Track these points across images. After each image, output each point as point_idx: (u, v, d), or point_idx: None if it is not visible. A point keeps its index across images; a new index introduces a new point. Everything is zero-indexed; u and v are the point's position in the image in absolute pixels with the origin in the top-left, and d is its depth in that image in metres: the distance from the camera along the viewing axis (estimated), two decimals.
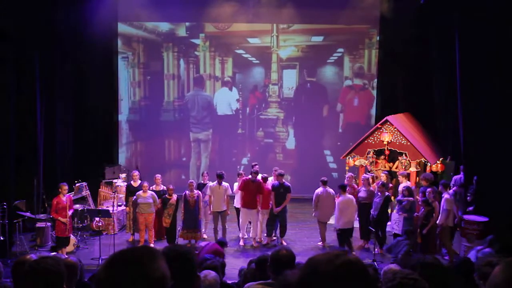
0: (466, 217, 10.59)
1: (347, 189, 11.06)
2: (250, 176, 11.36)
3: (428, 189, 10.71)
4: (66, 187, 10.52)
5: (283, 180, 11.45)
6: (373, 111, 15.87)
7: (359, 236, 11.52)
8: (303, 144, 16.20)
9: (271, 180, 11.77)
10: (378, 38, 15.59)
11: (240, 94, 16.24)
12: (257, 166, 11.98)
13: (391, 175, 12.59)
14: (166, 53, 16.12)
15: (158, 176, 12.00)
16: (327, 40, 16.00)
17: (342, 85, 16.06)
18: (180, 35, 16.09)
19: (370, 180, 11.70)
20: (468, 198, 11.04)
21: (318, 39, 16.04)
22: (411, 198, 10.43)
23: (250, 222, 11.57)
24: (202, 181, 12.04)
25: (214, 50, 16.12)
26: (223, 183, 11.47)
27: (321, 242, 11.49)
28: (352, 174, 11.85)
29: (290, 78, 16.20)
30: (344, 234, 10.80)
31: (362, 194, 11.24)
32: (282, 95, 16.20)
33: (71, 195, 11.10)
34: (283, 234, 11.58)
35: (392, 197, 11.52)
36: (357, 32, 15.85)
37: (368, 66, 15.91)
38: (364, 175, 11.69)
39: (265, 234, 11.63)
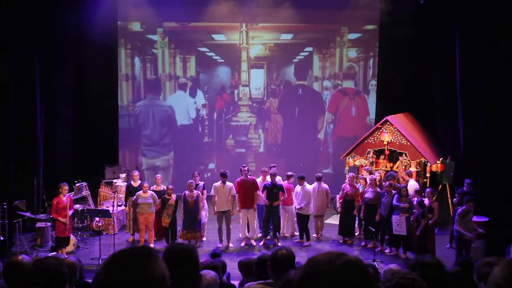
0: None
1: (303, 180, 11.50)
2: (242, 177, 11.25)
3: (427, 189, 10.71)
4: (66, 187, 10.50)
5: (276, 180, 11.35)
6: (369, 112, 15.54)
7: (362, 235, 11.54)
8: (275, 148, 15.34)
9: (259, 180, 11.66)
10: (347, 36, 15.02)
11: (206, 97, 14.79)
12: (274, 168, 11.84)
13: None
14: (118, 50, 14.64)
15: (159, 176, 12.01)
16: (296, 38, 14.95)
17: (312, 85, 15.19)
18: (134, 30, 14.55)
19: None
20: (454, 200, 10.99)
21: (287, 37, 14.94)
22: (404, 204, 10.44)
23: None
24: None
25: (174, 47, 14.60)
26: (227, 182, 11.27)
27: (315, 234, 11.88)
28: (353, 174, 11.83)
29: (258, 79, 14.94)
30: (301, 218, 11.47)
31: (368, 195, 11.09)
32: (251, 97, 14.99)
33: (71, 195, 11.09)
34: (279, 232, 11.54)
35: None
36: (327, 30, 14.98)
37: (340, 65, 15.24)
38: (371, 176, 11.62)
39: (260, 235, 11.64)
